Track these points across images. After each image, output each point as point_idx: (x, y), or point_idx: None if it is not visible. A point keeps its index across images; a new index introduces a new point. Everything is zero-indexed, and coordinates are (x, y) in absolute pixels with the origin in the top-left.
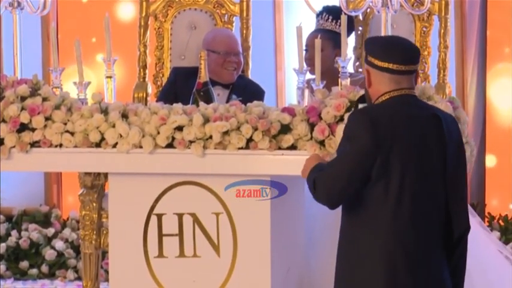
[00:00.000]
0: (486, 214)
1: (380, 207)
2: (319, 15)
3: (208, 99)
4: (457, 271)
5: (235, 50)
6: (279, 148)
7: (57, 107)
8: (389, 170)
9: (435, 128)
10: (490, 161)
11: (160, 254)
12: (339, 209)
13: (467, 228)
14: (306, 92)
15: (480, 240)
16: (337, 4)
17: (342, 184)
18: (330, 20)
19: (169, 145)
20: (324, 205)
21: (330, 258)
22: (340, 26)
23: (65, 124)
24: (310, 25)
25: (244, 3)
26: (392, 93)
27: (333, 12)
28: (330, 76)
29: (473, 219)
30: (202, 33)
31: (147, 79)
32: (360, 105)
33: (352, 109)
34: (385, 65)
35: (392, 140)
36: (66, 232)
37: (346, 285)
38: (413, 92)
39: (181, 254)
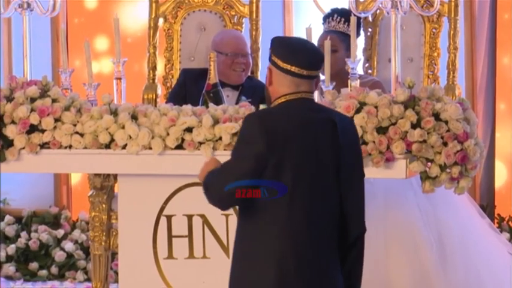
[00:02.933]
0: (496, 216)
1: (273, 210)
2: (328, 16)
3: (218, 101)
4: (353, 273)
5: (243, 51)
6: None
7: (67, 108)
8: (282, 173)
9: (329, 131)
10: (500, 162)
11: (170, 255)
12: None
13: (363, 231)
14: (316, 93)
15: (490, 241)
16: (346, 6)
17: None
18: (342, 22)
19: (179, 146)
20: (216, 207)
21: None
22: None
23: (75, 125)
24: (319, 26)
25: (254, 4)
26: (289, 96)
27: (344, 14)
28: (341, 78)
29: (483, 221)
30: (211, 34)
31: (156, 80)
32: (261, 106)
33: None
34: (287, 67)
35: (285, 143)
36: (76, 233)
37: (239, 286)
38: (311, 96)
39: (191, 255)
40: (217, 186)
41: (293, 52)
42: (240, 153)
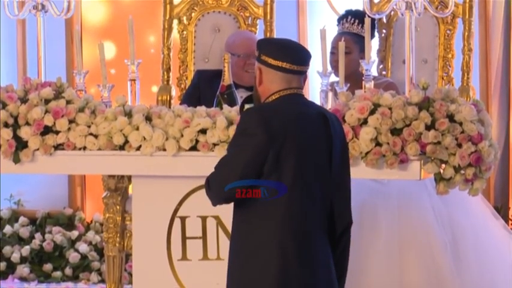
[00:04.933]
0: (510, 217)
1: (272, 202)
2: (342, 18)
3: (232, 102)
4: (341, 263)
5: (255, 53)
6: None
7: (81, 110)
8: (281, 165)
9: (322, 126)
10: None
11: (184, 257)
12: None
13: (350, 222)
14: (330, 94)
15: (504, 243)
16: (360, 7)
17: (235, 179)
18: (356, 23)
19: (193, 148)
20: (218, 203)
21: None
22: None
23: (89, 127)
24: (333, 28)
25: (268, 5)
26: (283, 92)
27: (358, 16)
28: (355, 79)
29: (497, 222)
30: (225, 36)
31: (170, 82)
32: (246, 106)
33: (239, 109)
34: (279, 63)
35: (284, 136)
36: (90, 235)
37: (239, 278)
38: (301, 92)
39: (205, 256)
40: (218, 182)
41: (283, 49)
42: (240, 144)
